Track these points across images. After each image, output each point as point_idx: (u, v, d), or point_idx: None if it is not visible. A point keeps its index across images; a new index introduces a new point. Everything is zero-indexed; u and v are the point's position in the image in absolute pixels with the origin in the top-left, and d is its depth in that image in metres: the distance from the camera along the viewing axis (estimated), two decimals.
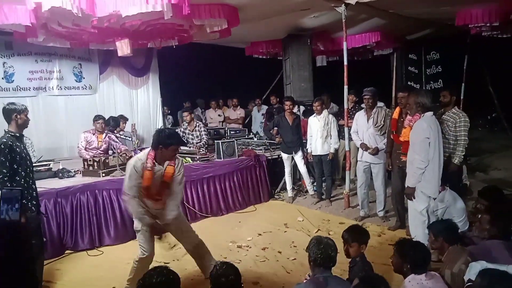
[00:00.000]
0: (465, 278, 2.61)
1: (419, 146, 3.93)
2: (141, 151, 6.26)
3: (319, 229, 5.34)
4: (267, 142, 7.33)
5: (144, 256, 3.59)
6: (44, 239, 4.12)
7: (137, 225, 3.61)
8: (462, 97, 8.29)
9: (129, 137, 6.47)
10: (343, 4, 5.78)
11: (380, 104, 7.45)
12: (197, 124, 7.03)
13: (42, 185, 4.86)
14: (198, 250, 3.97)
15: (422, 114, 4.03)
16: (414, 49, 9.52)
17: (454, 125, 4.74)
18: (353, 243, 3.05)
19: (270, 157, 7.11)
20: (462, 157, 4.75)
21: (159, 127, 3.91)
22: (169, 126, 9.36)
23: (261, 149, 7.23)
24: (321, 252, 2.69)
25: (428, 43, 9.30)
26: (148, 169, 3.42)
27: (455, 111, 4.83)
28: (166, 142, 3.42)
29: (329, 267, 2.73)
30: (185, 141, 6.98)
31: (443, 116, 4.84)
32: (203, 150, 6.64)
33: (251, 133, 8.87)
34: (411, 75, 9.62)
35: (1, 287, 1.32)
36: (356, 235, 3.10)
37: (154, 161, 3.47)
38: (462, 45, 8.53)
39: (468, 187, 6.16)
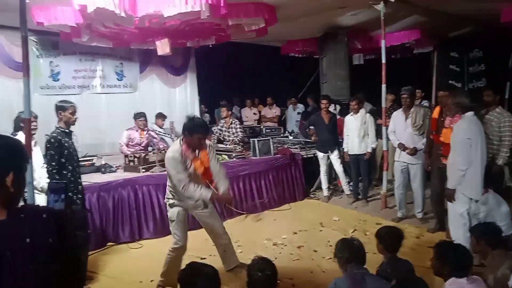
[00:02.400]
0: (509, 284, 2.54)
1: (460, 148, 3.82)
2: None
3: (355, 229, 5.29)
4: (303, 140, 7.33)
5: (178, 246, 3.70)
6: (89, 231, 4.30)
7: (171, 215, 3.71)
8: (506, 97, 7.97)
9: (168, 134, 6.61)
10: (382, 2, 5.70)
11: (425, 103, 7.32)
12: (233, 121, 7.10)
13: (86, 179, 5.03)
14: (224, 249, 4.06)
15: (463, 115, 3.92)
16: (455, 47, 9.22)
17: (498, 126, 4.58)
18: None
19: (305, 156, 7.09)
20: (507, 158, 4.59)
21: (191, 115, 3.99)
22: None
23: (296, 148, 7.23)
24: (348, 250, 2.69)
25: (470, 41, 8.97)
26: (192, 157, 3.52)
27: (499, 111, 4.66)
28: (191, 130, 3.44)
29: (361, 263, 2.70)
30: (221, 139, 7.08)
31: (486, 116, 4.68)
32: (238, 148, 6.70)
33: (286, 132, 8.89)
34: (453, 73, 9.31)
35: (49, 273, 1.40)
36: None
37: (188, 148, 3.53)
38: (507, 43, 8.19)
39: None
